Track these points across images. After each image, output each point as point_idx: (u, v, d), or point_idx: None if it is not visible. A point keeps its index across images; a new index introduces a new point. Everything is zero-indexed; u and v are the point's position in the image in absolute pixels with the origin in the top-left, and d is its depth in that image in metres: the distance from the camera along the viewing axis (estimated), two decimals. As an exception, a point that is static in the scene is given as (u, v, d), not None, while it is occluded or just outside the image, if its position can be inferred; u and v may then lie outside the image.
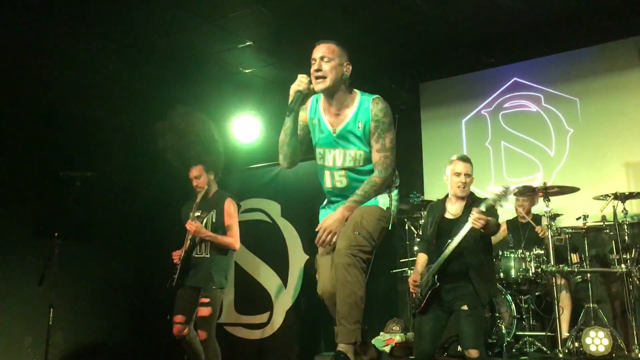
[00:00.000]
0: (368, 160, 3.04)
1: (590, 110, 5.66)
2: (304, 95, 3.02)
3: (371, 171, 3.03)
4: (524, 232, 5.19)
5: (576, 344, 4.35)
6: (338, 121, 3.06)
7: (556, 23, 5.61)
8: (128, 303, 7.06)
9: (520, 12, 5.44)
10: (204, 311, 4.64)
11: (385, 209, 3.01)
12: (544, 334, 4.81)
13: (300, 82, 3.00)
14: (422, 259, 4.27)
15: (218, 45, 5.83)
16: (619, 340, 4.36)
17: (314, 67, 3.03)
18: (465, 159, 4.16)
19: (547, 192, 4.69)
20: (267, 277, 6.70)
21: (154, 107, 6.89)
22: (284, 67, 6.35)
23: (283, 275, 6.62)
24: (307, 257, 6.50)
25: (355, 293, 2.77)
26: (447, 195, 4.26)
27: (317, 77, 3.00)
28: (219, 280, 4.72)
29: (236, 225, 4.84)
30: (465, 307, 3.85)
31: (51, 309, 4.83)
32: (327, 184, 3.13)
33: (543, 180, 5.54)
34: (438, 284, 3.95)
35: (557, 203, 5.26)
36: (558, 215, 5.25)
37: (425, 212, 4.57)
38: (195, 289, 4.71)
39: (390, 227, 3.08)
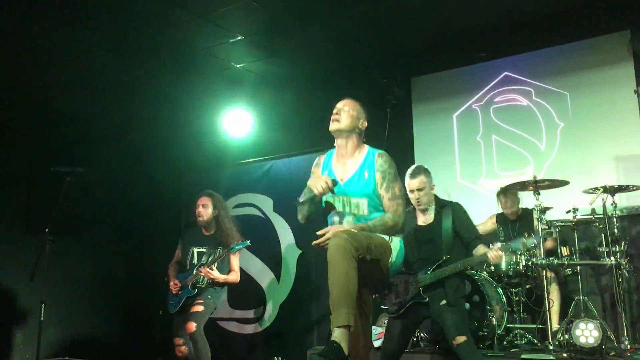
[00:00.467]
0: (371, 208, 3.24)
1: (580, 104, 5.68)
2: (317, 198, 3.25)
3: (376, 214, 3.24)
4: (513, 225, 5.22)
5: (566, 336, 4.38)
6: (345, 172, 3.33)
7: (546, 17, 5.62)
8: (120, 298, 7.05)
9: (512, 6, 5.46)
10: (197, 307, 4.96)
11: (384, 238, 3.18)
12: (534, 326, 4.84)
13: (322, 186, 3.18)
14: None
15: (209, 40, 5.81)
16: (609, 332, 4.39)
17: (334, 111, 3.37)
18: (414, 174, 4.27)
19: (538, 185, 4.71)
20: (260, 272, 6.71)
21: (145, 103, 6.89)
22: (275, 61, 6.34)
23: (276, 270, 6.63)
24: (300, 251, 6.52)
25: (347, 277, 2.81)
26: (413, 207, 4.41)
27: (334, 119, 3.33)
28: (215, 297, 5.17)
29: (237, 261, 5.29)
30: (443, 302, 3.99)
31: (42, 305, 4.82)
32: (335, 223, 3.25)
33: (534, 173, 5.56)
34: (427, 299, 4.06)
35: (547, 196, 5.29)
36: (548, 208, 5.28)
37: None
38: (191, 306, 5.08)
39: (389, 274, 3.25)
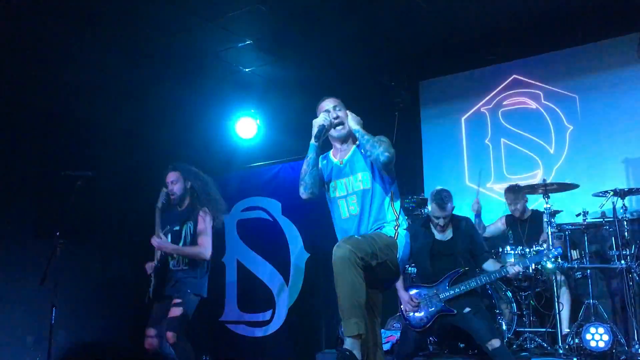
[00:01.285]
0: (373, 180, 3.30)
1: (589, 107, 5.66)
2: (326, 130, 3.35)
3: (380, 193, 3.29)
4: (522, 228, 5.21)
5: (576, 340, 4.36)
6: (343, 155, 3.45)
7: (555, 20, 5.61)
8: (130, 301, 7.07)
9: (520, 9, 5.45)
10: (175, 311, 4.48)
11: (390, 237, 3.19)
12: (544, 330, 4.82)
13: (324, 117, 3.36)
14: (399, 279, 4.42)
15: (218, 44, 5.84)
16: (619, 336, 4.37)
17: (332, 116, 3.41)
18: (442, 206, 4.40)
19: (547, 189, 4.70)
20: (269, 275, 6.72)
21: (155, 107, 6.92)
22: (283, 65, 6.35)
23: (285, 273, 6.64)
24: (309, 254, 6.52)
25: (354, 289, 2.85)
26: (426, 219, 4.61)
27: (337, 124, 3.41)
28: (195, 287, 4.59)
29: (206, 235, 4.63)
30: (467, 309, 4.11)
31: (53, 308, 4.84)
32: (343, 213, 3.36)
33: (543, 177, 5.55)
34: (455, 311, 4.15)
35: (556, 200, 5.27)
36: (558, 211, 5.26)
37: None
38: (170, 299, 4.55)
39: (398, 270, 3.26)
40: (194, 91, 6.77)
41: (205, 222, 4.65)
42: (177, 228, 4.65)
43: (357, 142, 3.41)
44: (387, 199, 3.31)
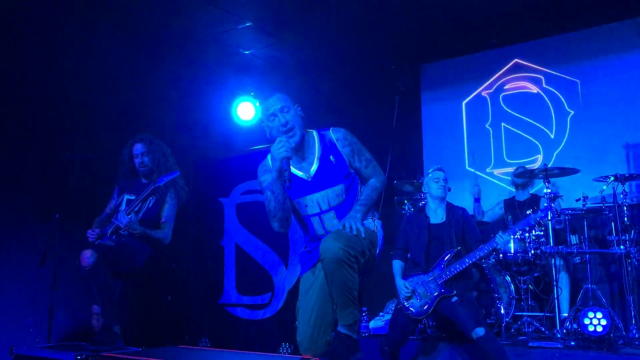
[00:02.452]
0: (348, 190, 3.05)
1: (591, 92, 5.64)
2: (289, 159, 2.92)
3: (355, 199, 3.06)
4: (521, 211, 5.21)
5: (574, 325, 4.38)
6: (307, 165, 3.07)
7: (557, 4, 5.56)
8: (129, 284, 7.09)
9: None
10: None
11: (372, 230, 3.03)
12: (542, 314, 4.84)
13: (286, 147, 2.89)
14: (398, 265, 4.49)
15: (217, 26, 5.79)
16: (617, 321, 4.39)
17: (279, 122, 3.00)
18: (440, 168, 4.50)
19: (547, 173, 4.69)
20: (268, 259, 6.73)
21: (154, 89, 6.88)
22: (283, 47, 6.31)
23: (284, 256, 6.65)
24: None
25: (348, 286, 2.78)
26: (423, 206, 4.62)
27: (286, 131, 2.99)
28: (134, 266, 4.40)
29: (172, 221, 4.50)
30: (454, 298, 4.09)
31: (53, 290, 4.85)
32: (318, 230, 3.09)
33: (543, 161, 5.55)
34: (455, 291, 4.12)
35: (557, 185, 5.28)
36: (558, 196, 5.26)
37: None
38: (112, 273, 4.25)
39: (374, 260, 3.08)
40: (193, 73, 6.73)
41: (172, 207, 4.54)
42: (139, 200, 4.37)
43: (310, 135, 3.10)
44: (357, 190, 3.11)
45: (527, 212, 4.33)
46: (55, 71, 6.26)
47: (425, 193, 4.58)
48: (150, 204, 4.47)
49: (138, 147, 4.56)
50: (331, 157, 3.06)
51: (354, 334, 2.89)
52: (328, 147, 3.08)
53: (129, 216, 4.25)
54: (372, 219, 3.08)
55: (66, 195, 4.95)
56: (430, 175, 4.50)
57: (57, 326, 5.61)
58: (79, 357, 3.54)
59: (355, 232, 2.77)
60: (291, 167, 2.97)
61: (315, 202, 3.05)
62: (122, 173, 4.64)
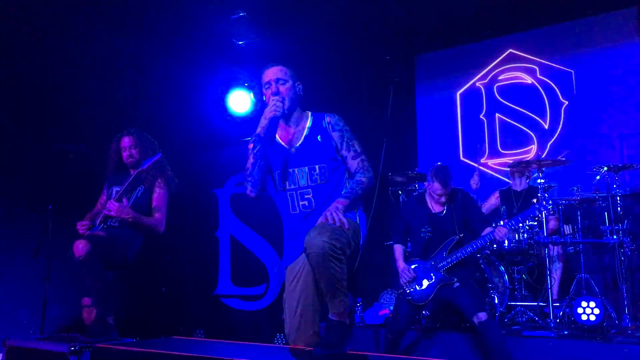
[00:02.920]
0: (331, 173, 3.00)
1: (585, 83, 5.65)
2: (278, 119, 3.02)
3: (337, 186, 3.00)
4: (517, 202, 5.22)
5: (568, 314, 4.40)
6: (295, 139, 3.06)
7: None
8: (123, 275, 7.09)
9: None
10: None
11: (354, 221, 2.97)
12: (536, 304, 4.86)
13: (277, 106, 2.96)
14: (400, 249, 4.48)
15: (210, 17, 5.75)
16: (610, 310, 4.42)
17: (271, 90, 3.04)
18: (445, 183, 4.32)
19: (541, 164, 4.70)
20: (263, 250, 6.73)
21: (147, 80, 6.84)
22: (277, 38, 6.27)
23: (278, 247, 6.65)
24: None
25: (336, 278, 2.75)
26: (421, 195, 4.60)
27: (274, 103, 2.98)
28: (124, 256, 4.35)
29: (163, 208, 4.45)
30: (457, 284, 4.12)
31: (46, 282, 4.84)
32: (292, 207, 3.05)
33: (537, 152, 5.55)
34: (455, 279, 4.15)
35: (550, 175, 5.29)
36: (552, 186, 5.28)
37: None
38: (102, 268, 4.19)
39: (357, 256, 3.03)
40: (187, 64, 6.68)
41: (162, 195, 4.50)
42: (126, 185, 4.35)
43: (305, 114, 3.10)
44: (343, 177, 3.04)
45: (533, 201, 4.34)
46: (48, 62, 6.22)
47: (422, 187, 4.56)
48: (139, 194, 4.43)
49: (126, 140, 4.54)
50: (319, 137, 3.03)
51: (346, 319, 2.90)
52: (318, 128, 3.06)
53: (119, 203, 4.22)
54: (354, 210, 3.01)
55: (60, 186, 4.91)
56: (433, 185, 4.36)
57: (50, 318, 5.59)
58: (72, 349, 3.52)
59: (338, 224, 2.72)
60: (277, 137, 3.06)
61: (295, 175, 3.02)
62: (109, 167, 4.61)
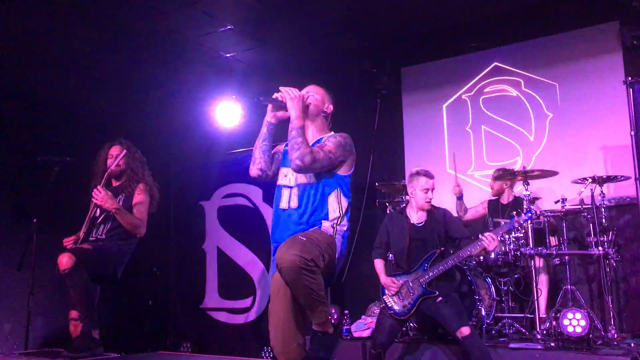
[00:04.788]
0: (318, 177, 3.10)
1: (569, 95, 5.71)
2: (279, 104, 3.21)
3: (323, 191, 3.10)
4: (504, 214, 5.25)
5: (554, 325, 4.42)
6: None
7: (536, 8, 5.62)
8: (109, 288, 7.02)
9: (501, -4, 5.45)
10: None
11: (330, 235, 3.04)
12: (522, 315, 4.88)
13: (294, 96, 3.16)
14: (381, 264, 4.48)
15: (198, 29, 5.75)
16: (596, 321, 4.44)
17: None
18: (430, 175, 4.38)
19: (527, 175, 4.74)
20: (250, 262, 6.70)
21: (134, 92, 6.83)
22: (265, 51, 6.29)
23: (265, 260, 6.62)
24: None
25: (312, 290, 2.80)
26: (403, 208, 4.61)
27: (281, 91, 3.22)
28: (108, 269, 4.38)
29: (144, 209, 4.47)
30: (439, 299, 4.12)
31: (30, 295, 4.79)
32: (283, 203, 3.17)
33: (522, 164, 5.60)
34: (437, 293, 4.14)
35: (536, 187, 5.33)
36: (537, 198, 5.32)
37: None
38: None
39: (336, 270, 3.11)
40: (174, 77, 6.68)
41: (143, 197, 4.51)
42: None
43: (326, 133, 3.24)
44: (334, 194, 3.11)
45: (512, 214, 4.34)
46: (34, 73, 6.19)
47: (409, 195, 4.51)
48: (120, 202, 4.43)
49: (115, 149, 4.59)
50: (316, 143, 3.14)
51: (329, 329, 2.92)
52: (322, 139, 3.19)
53: (102, 193, 4.22)
54: (333, 225, 3.06)
55: (44, 198, 4.87)
56: (419, 180, 4.35)
57: (35, 332, 5.53)
58: (56, 364, 3.48)
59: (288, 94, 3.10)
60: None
61: (290, 174, 3.16)
62: (93, 172, 4.63)
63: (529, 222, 4.48)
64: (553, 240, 4.90)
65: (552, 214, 4.88)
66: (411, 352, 4.53)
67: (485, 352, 3.94)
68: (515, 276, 5.06)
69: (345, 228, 3.12)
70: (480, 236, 4.09)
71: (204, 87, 6.87)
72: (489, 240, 4.01)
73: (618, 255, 4.75)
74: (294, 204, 3.10)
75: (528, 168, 4.80)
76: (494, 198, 5.50)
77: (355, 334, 5.01)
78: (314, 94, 3.25)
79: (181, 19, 5.53)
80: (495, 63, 6.10)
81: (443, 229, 4.33)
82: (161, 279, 7.05)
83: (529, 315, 4.78)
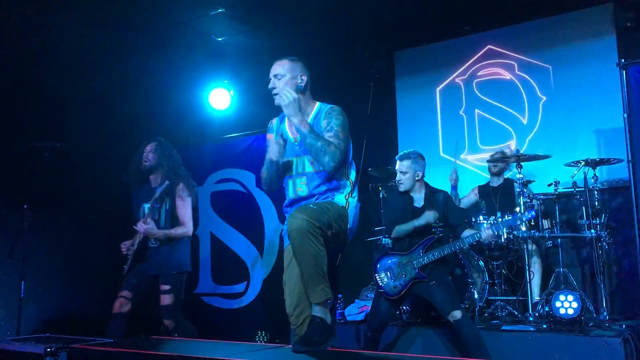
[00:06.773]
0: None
1: (562, 78, 5.70)
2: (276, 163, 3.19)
3: (329, 178, 3.12)
4: (495, 197, 5.25)
5: (546, 308, 4.43)
6: (296, 132, 3.19)
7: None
8: (100, 274, 6.99)
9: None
10: (166, 299, 4.58)
11: (342, 206, 3.10)
12: (515, 298, 4.90)
13: (274, 150, 3.18)
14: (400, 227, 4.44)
15: (189, 12, 5.70)
16: (588, 303, 4.46)
17: (270, 85, 3.22)
18: (401, 158, 4.48)
19: (520, 159, 4.73)
20: (243, 247, 6.70)
21: (125, 76, 6.76)
22: (257, 34, 6.24)
23: (259, 245, 6.62)
24: (283, 226, 6.51)
25: (316, 259, 2.83)
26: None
27: (273, 95, 3.17)
28: (179, 265, 4.65)
29: (188, 213, 4.71)
30: (433, 282, 4.16)
31: (22, 282, 4.77)
32: (290, 192, 3.23)
33: (516, 147, 5.60)
34: (428, 278, 4.18)
35: (529, 170, 5.33)
36: (530, 181, 5.32)
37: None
38: (154, 278, 4.63)
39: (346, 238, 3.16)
40: (166, 61, 6.61)
41: (185, 200, 4.72)
42: (157, 206, 4.63)
43: (313, 105, 3.24)
44: (342, 170, 3.16)
45: (516, 210, 4.37)
46: (24, 57, 6.11)
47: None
48: (167, 205, 4.64)
49: (149, 147, 4.77)
50: (314, 127, 3.14)
51: (328, 316, 2.90)
52: (318, 118, 3.19)
53: (147, 225, 4.50)
54: (346, 197, 3.13)
55: (35, 184, 4.84)
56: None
57: (27, 318, 5.51)
58: (48, 350, 3.48)
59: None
60: (286, 128, 3.27)
61: (294, 164, 3.19)
62: (129, 170, 4.83)
63: (532, 220, 4.50)
64: (546, 223, 4.91)
65: (545, 196, 4.88)
66: (405, 335, 4.55)
67: (478, 335, 3.97)
68: (508, 259, 5.07)
69: (356, 199, 3.20)
70: (481, 234, 4.19)
71: (195, 71, 6.81)
72: (487, 236, 4.19)
73: (610, 238, 4.77)
74: (303, 192, 3.16)
75: (521, 151, 4.78)
76: (483, 183, 5.50)
77: (349, 318, 5.03)
78: (285, 73, 3.19)
79: (172, 2, 5.47)
80: (489, 46, 6.07)
81: (442, 212, 4.35)
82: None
83: (521, 298, 4.80)
